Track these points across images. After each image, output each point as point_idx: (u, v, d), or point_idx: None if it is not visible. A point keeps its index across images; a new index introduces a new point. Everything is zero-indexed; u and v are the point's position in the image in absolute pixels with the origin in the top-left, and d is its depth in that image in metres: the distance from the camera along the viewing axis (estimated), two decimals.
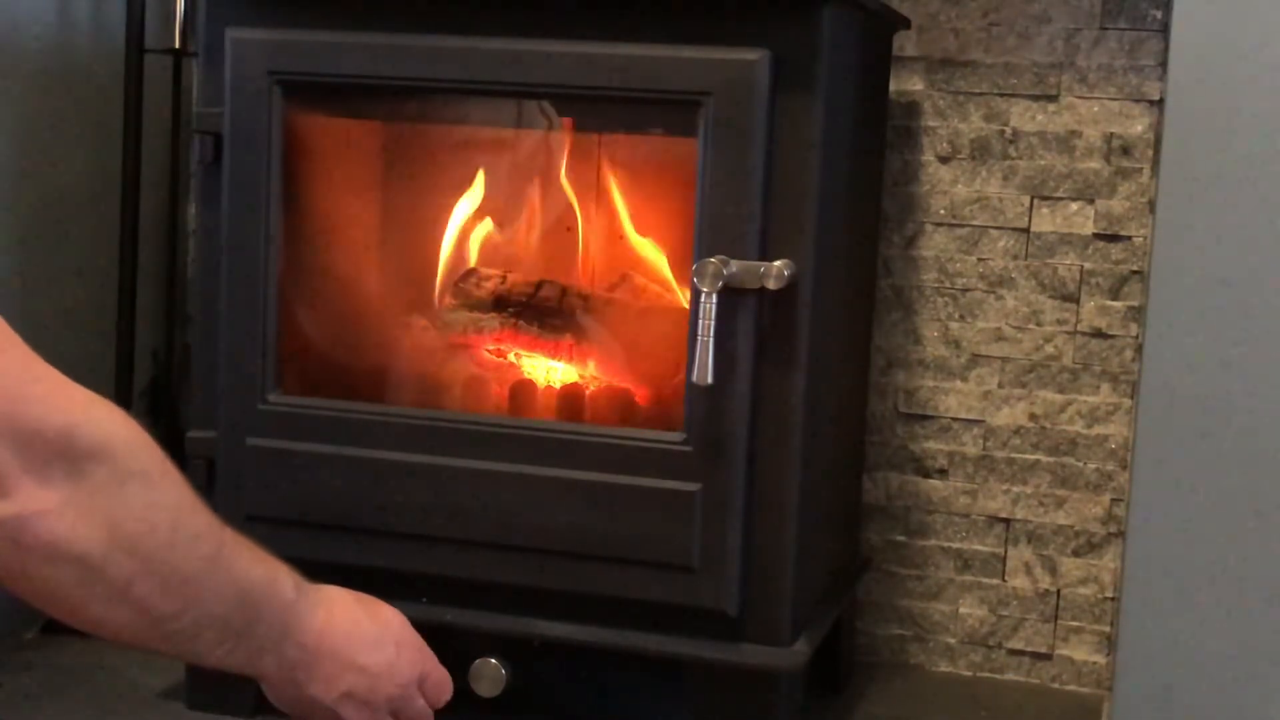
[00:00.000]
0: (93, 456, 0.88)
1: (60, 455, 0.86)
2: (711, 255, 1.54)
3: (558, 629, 1.67)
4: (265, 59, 1.67)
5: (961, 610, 2.04)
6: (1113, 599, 1.98)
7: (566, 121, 1.83)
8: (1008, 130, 1.96)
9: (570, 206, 1.86)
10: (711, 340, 1.54)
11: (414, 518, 1.68)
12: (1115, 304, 1.95)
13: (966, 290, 2.00)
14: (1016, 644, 2.03)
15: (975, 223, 1.99)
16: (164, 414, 2.19)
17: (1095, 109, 1.93)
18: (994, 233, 1.98)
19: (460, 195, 1.89)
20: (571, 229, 1.88)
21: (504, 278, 1.85)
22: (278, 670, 1.03)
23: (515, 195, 1.89)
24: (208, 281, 1.74)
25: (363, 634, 1.08)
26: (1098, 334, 1.96)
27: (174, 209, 2.17)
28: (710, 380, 1.54)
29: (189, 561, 0.93)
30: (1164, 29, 1.88)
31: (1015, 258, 1.97)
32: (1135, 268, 1.94)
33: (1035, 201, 1.96)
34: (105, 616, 0.91)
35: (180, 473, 0.94)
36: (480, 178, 1.87)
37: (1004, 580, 2.03)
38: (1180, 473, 1.56)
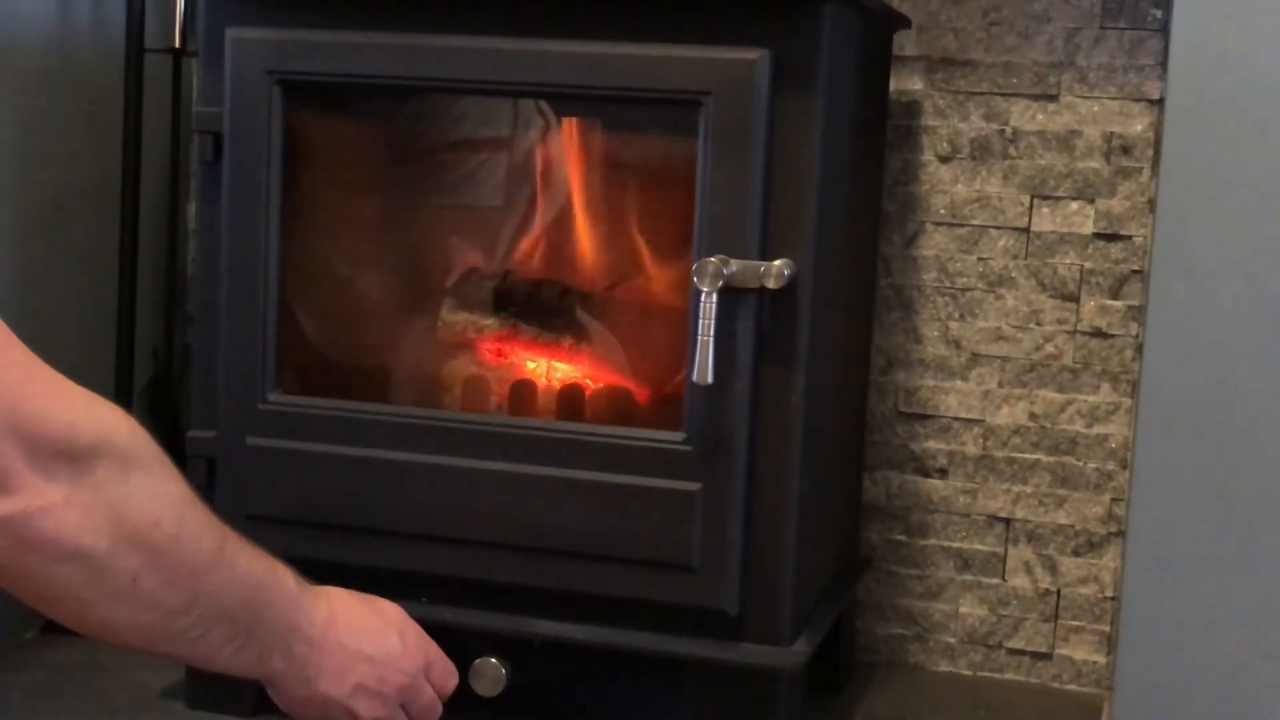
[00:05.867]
0: (95, 452, 0.88)
1: (63, 452, 0.86)
2: (711, 255, 1.54)
3: (558, 629, 1.67)
4: (265, 59, 1.67)
5: (961, 610, 2.04)
6: (1113, 599, 1.98)
7: (566, 121, 1.83)
8: (1008, 130, 1.96)
9: (570, 206, 1.86)
10: (711, 340, 1.54)
11: (414, 517, 1.68)
12: (1115, 304, 1.95)
13: (966, 290, 2.00)
14: (1016, 643, 2.03)
15: (975, 222, 1.99)
16: (164, 413, 2.19)
17: (1095, 108, 1.93)
18: (994, 232, 1.98)
19: (460, 195, 1.89)
20: (572, 229, 1.88)
21: (504, 278, 1.85)
22: (286, 668, 1.03)
23: (515, 195, 1.89)
24: (208, 281, 1.74)
25: (366, 625, 1.08)
26: (1098, 334, 1.96)
27: (174, 209, 2.17)
28: (710, 380, 1.54)
29: (194, 555, 0.94)
30: (1164, 29, 1.88)
31: (1015, 257, 1.98)
32: (1135, 267, 1.94)
33: (1035, 201, 1.96)
34: (112, 615, 0.91)
35: (179, 470, 0.94)
36: (480, 177, 1.87)
37: (1004, 580, 2.03)
38: (1180, 473, 1.56)
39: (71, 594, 0.89)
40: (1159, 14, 1.90)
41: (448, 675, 1.14)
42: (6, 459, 0.84)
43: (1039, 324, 1.98)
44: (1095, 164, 1.94)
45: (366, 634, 1.08)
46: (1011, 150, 1.96)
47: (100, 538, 0.88)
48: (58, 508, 0.86)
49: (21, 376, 0.86)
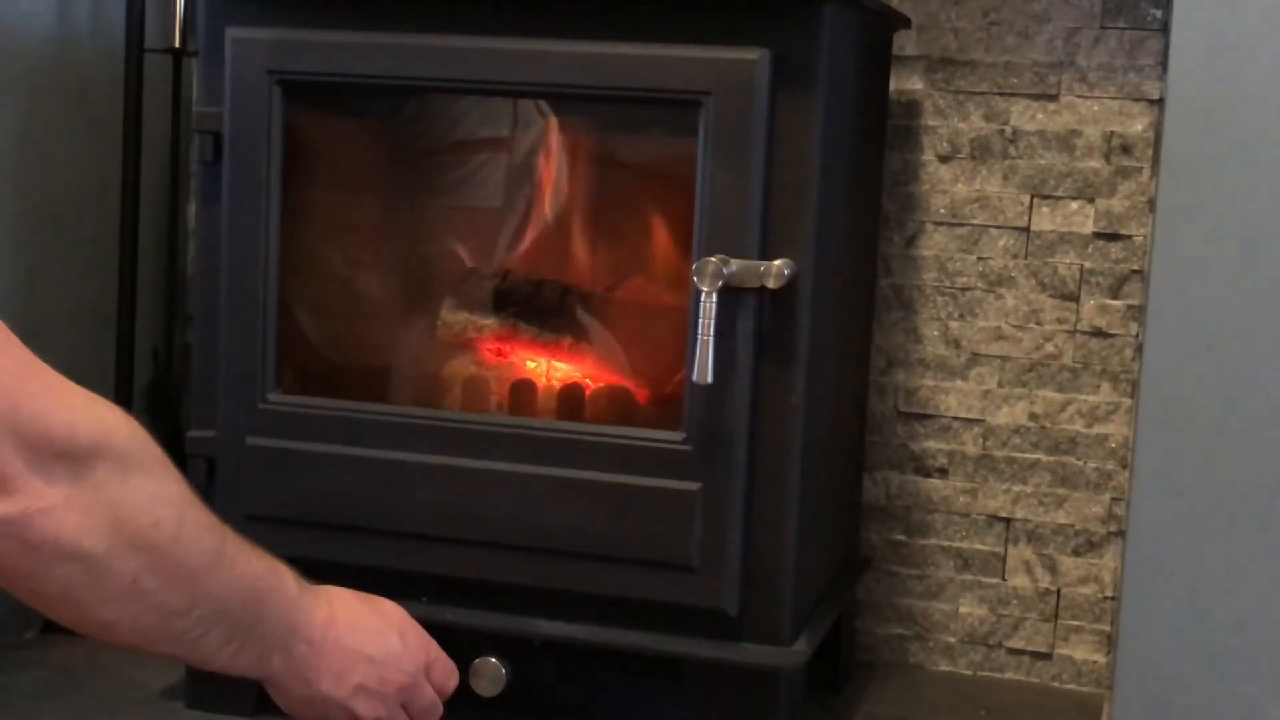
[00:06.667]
0: (95, 453, 0.88)
1: (63, 453, 0.86)
2: (711, 255, 1.54)
3: (558, 629, 1.67)
4: (265, 59, 1.67)
5: (961, 609, 2.04)
6: (1113, 599, 1.98)
7: (566, 121, 1.83)
8: (1008, 129, 1.96)
9: (570, 206, 1.86)
10: (711, 339, 1.54)
11: (414, 517, 1.68)
12: (1115, 303, 1.95)
13: (966, 290, 2.00)
14: (1016, 643, 2.03)
15: (975, 222, 1.99)
16: (164, 414, 2.18)
17: (1095, 108, 1.93)
18: (994, 232, 1.98)
19: (460, 195, 1.89)
20: (572, 229, 1.88)
21: (504, 278, 1.85)
22: (286, 668, 1.03)
23: (515, 195, 1.89)
24: (208, 281, 1.74)
25: (367, 625, 1.08)
26: (1098, 333, 1.96)
27: (174, 209, 2.17)
28: (710, 379, 1.54)
29: (194, 555, 0.93)
30: (1164, 29, 1.88)
31: (1015, 257, 1.97)
32: (1135, 267, 1.94)
33: (1035, 201, 1.96)
34: (113, 616, 0.91)
35: (179, 471, 0.94)
36: (480, 178, 1.87)
37: (1004, 579, 2.03)
38: (1180, 473, 1.56)
39: (72, 595, 0.89)
40: (1159, 14, 1.90)
41: (448, 675, 1.14)
42: (6, 460, 0.84)
43: (1039, 324, 1.98)
44: (1095, 164, 1.94)
45: (367, 634, 1.08)
46: (1011, 150, 1.96)
47: (100, 539, 0.88)
48: (58, 509, 0.86)
49: (21, 377, 0.86)
